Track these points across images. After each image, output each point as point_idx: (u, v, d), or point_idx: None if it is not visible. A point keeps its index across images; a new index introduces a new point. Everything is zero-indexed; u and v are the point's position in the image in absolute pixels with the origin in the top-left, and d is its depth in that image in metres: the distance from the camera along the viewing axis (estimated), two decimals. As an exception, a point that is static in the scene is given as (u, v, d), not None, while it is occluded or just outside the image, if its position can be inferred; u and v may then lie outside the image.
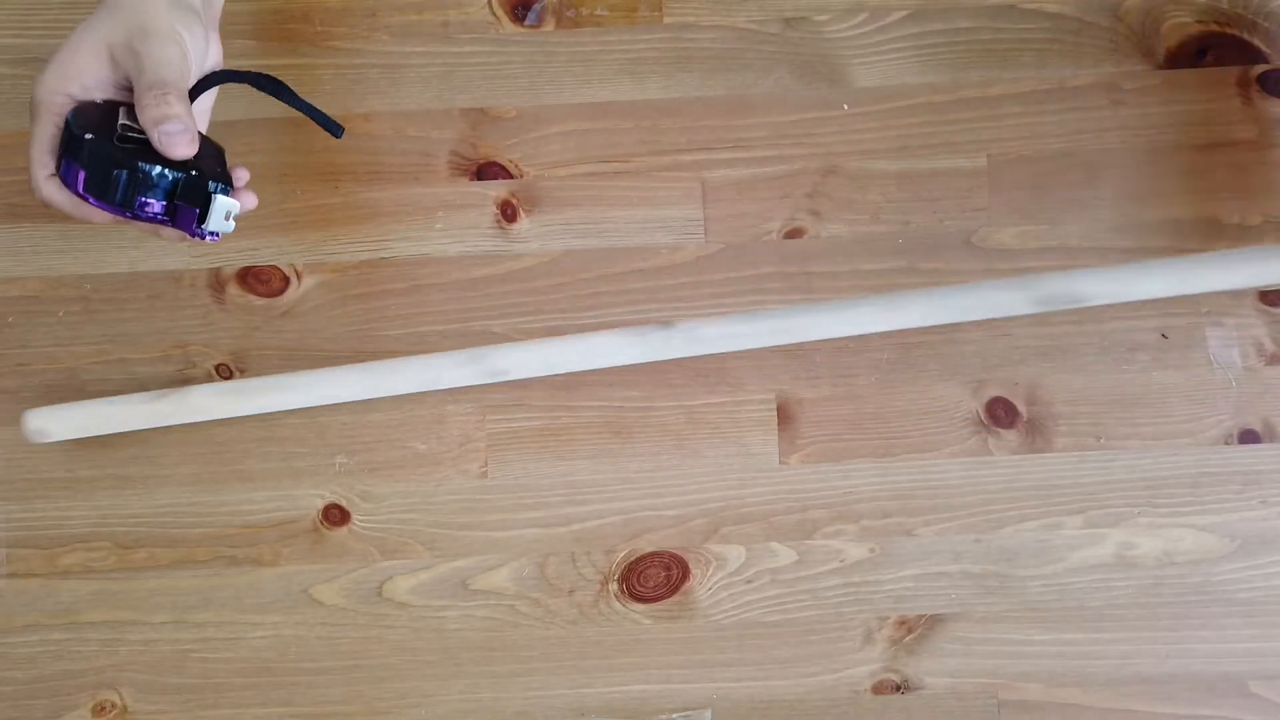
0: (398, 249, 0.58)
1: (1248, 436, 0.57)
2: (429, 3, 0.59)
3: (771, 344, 0.55)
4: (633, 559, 0.57)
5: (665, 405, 0.57)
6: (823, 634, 0.57)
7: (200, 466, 0.57)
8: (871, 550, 0.57)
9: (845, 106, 0.59)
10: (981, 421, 0.57)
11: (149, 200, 0.44)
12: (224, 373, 0.58)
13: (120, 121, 0.44)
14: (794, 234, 0.58)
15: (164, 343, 0.58)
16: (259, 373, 0.58)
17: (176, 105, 0.43)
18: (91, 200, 0.44)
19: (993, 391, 0.57)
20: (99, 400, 0.55)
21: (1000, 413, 0.57)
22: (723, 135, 0.59)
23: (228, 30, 0.59)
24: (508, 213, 0.58)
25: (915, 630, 0.57)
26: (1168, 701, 0.56)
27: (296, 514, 0.57)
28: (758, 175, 0.58)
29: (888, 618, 0.57)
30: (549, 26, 0.59)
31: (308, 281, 0.58)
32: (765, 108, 0.59)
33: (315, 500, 0.57)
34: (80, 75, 0.44)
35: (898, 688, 0.56)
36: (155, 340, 0.58)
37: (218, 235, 0.46)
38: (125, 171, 0.43)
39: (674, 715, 0.57)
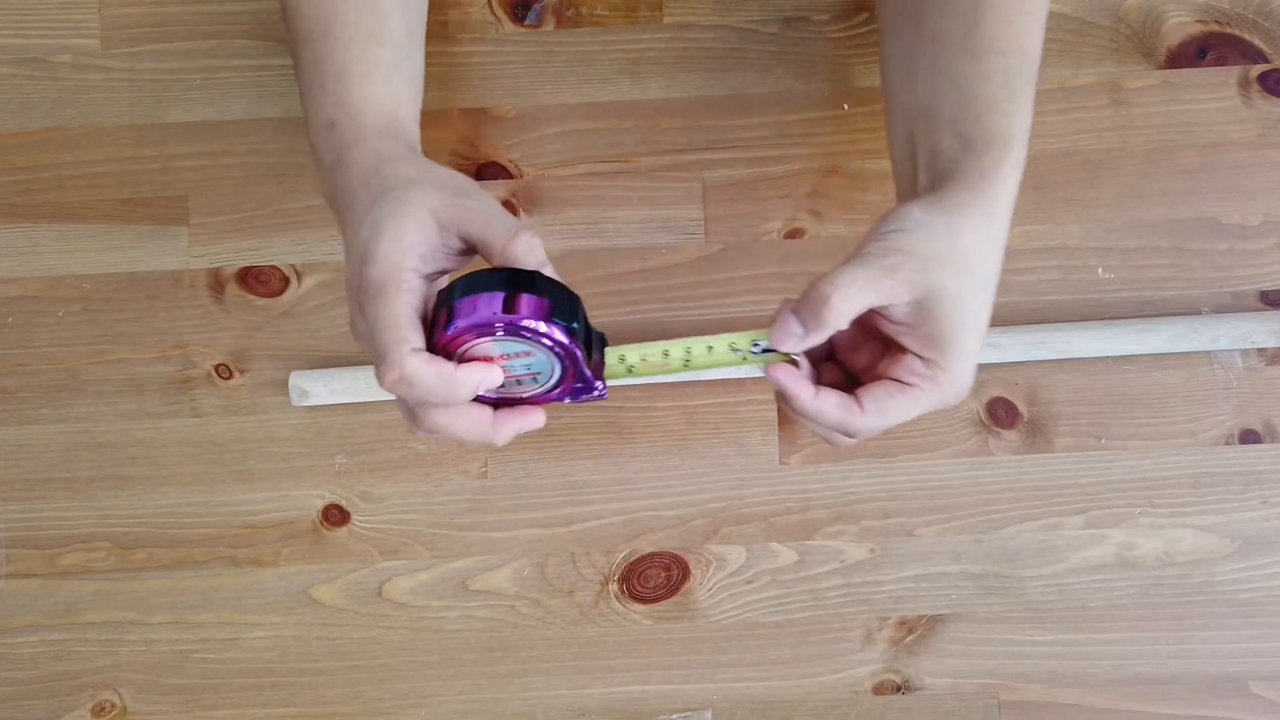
0: (398, 249, 0.58)
1: (1248, 437, 0.57)
2: (429, 3, 0.59)
3: (1032, 358, 0.56)
4: (633, 559, 0.57)
5: (665, 405, 0.57)
6: (823, 634, 0.57)
7: (200, 466, 0.57)
8: (872, 551, 0.57)
9: (845, 106, 0.59)
10: (982, 422, 0.57)
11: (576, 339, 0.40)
12: (224, 373, 0.58)
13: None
14: (794, 234, 0.58)
15: (164, 343, 0.58)
16: (259, 374, 0.58)
17: (541, 249, 0.40)
18: (559, 327, 0.38)
19: (993, 391, 0.57)
20: (368, 367, 0.56)
21: (1001, 413, 0.57)
22: (723, 135, 0.58)
23: (229, 31, 0.59)
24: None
25: (916, 631, 0.57)
26: (1168, 702, 0.56)
27: (296, 514, 0.57)
28: (758, 175, 0.58)
29: (888, 618, 0.57)
30: (549, 26, 0.59)
31: (308, 281, 0.58)
32: (765, 108, 0.59)
33: (315, 500, 0.57)
34: (417, 246, 0.40)
35: (898, 688, 0.56)
36: (155, 340, 0.58)
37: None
38: (576, 301, 0.40)
39: (674, 716, 0.57)
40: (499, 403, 0.42)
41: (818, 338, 0.40)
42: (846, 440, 0.43)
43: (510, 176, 0.58)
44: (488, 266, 0.40)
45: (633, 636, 0.57)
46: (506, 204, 0.58)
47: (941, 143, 0.44)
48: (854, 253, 0.41)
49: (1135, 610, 0.56)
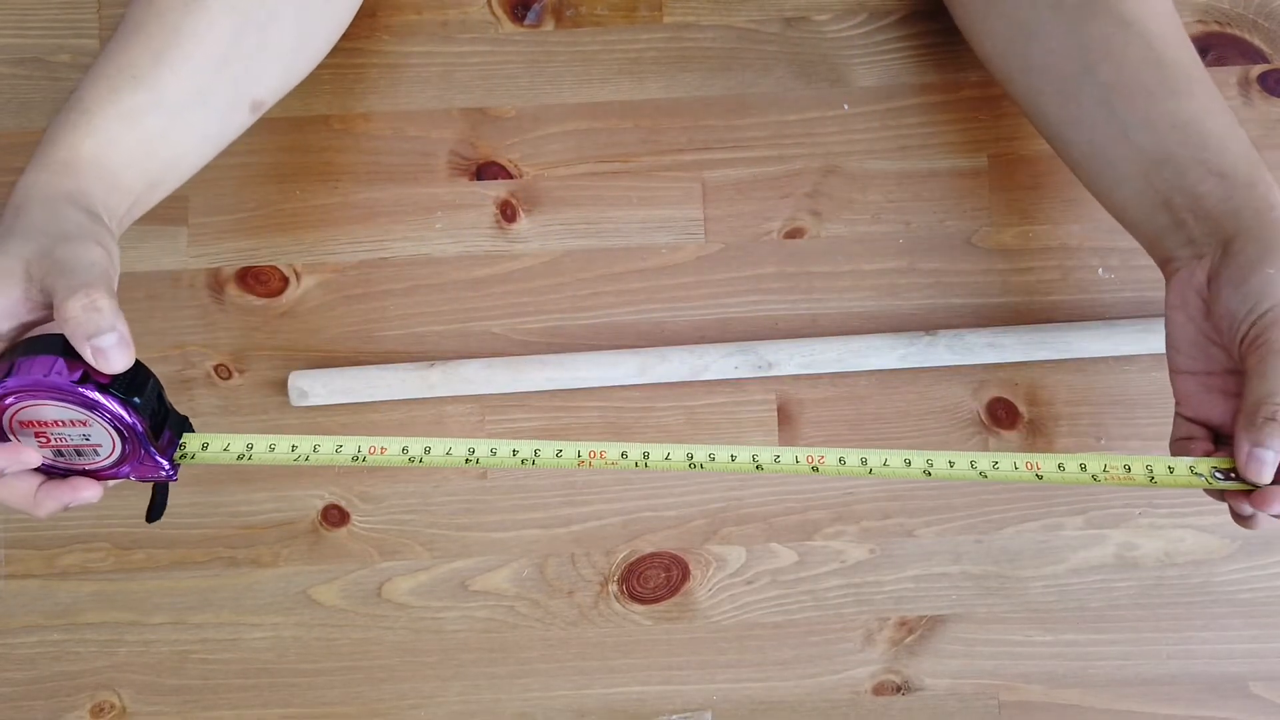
0: (397, 249, 0.58)
1: (1249, 437, 0.57)
2: (429, 3, 0.59)
3: (1032, 358, 0.55)
4: (632, 560, 0.57)
5: (665, 405, 0.57)
6: (823, 635, 0.57)
7: (198, 467, 0.57)
8: (872, 551, 0.57)
9: (845, 106, 0.59)
10: (982, 422, 0.57)
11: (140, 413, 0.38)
12: (223, 373, 0.58)
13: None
14: (794, 234, 0.58)
15: (163, 343, 0.58)
16: (258, 374, 0.57)
17: (109, 314, 0.37)
18: (116, 400, 0.38)
19: (993, 392, 0.57)
20: (367, 367, 0.56)
21: (1001, 413, 0.57)
22: (723, 135, 0.58)
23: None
24: (507, 213, 0.58)
25: (916, 631, 0.56)
26: (1169, 702, 0.56)
27: (296, 515, 0.57)
28: (758, 175, 0.58)
29: (888, 618, 0.57)
30: (549, 26, 0.59)
31: (307, 281, 0.58)
32: (765, 108, 0.59)
33: (314, 501, 0.57)
34: None
35: (898, 689, 0.56)
36: (154, 340, 0.58)
37: (175, 474, 0.41)
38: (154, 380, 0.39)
39: (674, 716, 0.56)
40: (55, 470, 0.40)
41: None
42: None
43: (510, 176, 0.58)
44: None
45: (632, 637, 0.57)
46: (506, 204, 0.58)
47: (1200, 185, 0.44)
48: (1253, 348, 0.41)
49: (1135, 610, 0.56)
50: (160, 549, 0.57)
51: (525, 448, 0.43)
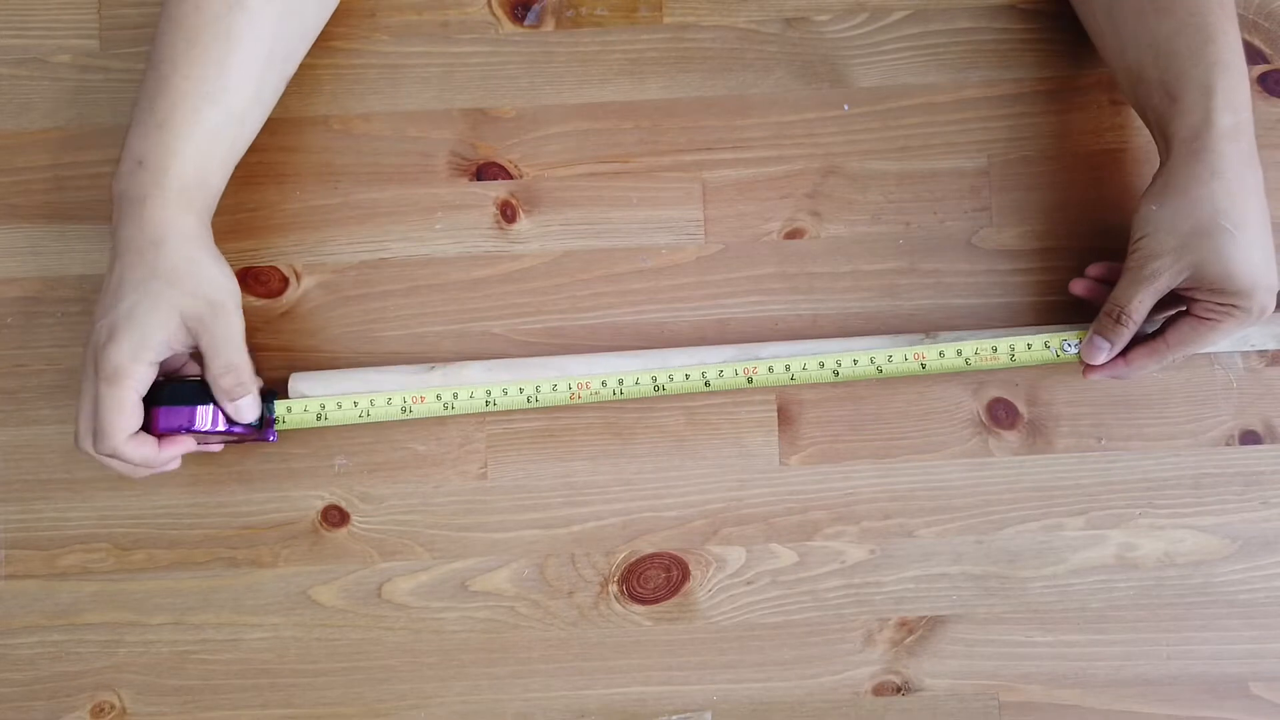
0: (397, 249, 0.58)
1: (1249, 438, 0.57)
2: (429, 3, 0.59)
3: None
4: (633, 560, 0.57)
5: (665, 406, 0.57)
6: (823, 635, 0.57)
7: (199, 467, 0.57)
8: (872, 551, 0.57)
9: (845, 106, 0.59)
10: (982, 422, 0.57)
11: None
12: (223, 373, 0.58)
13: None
14: (794, 234, 0.58)
15: (163, 343, 0.58)
16: (259, 375, 0.57)
17: (249, 383, 0.52)
18: (238, 430, 0.53)
19: (993, 392, 0.57)
20: (367, 369, 0.56)
21: (1001, 413, 0.57)
22: (723, 135, 0.58)
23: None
24: (507, 213, 0.58)
25: (916, 632, 0.56)
26: (1168, 703, 0.56)
27: (296, 515, 0.57)
28: (758, 175, 0.58)
29: (888, 619, 0.57)
30: (549, 26, 0.59)
31: (307, 282, 0.58)
32: (765, 108, 0.59)
33: (314, 501, 0.57)
34: (159, 345, 0.48)
35: (898, 689, 0.56)
36: (154, 341, 0.58)
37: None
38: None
39: (674, 717, 0.56)
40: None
41: (1121, 346, 0.52)
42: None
43: (510, 176, 0.58)
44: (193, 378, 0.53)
45: (632, 638, 0.57)
46: (506, 204, 0.58)
47: (1159, 105, 0.49)
48: (1126, 263, 0.51)
49: (1135, 611, 0.56)
50: (160, 549, 0.57)
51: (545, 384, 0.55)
